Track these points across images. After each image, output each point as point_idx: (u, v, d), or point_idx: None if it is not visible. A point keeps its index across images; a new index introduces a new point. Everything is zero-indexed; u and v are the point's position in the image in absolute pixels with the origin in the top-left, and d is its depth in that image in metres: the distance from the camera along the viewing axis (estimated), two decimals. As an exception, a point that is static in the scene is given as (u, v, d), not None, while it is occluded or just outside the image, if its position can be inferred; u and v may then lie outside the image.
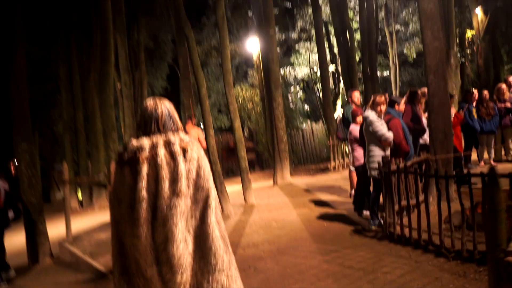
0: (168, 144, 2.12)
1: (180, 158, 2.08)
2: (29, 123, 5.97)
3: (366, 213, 5.77)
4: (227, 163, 18.48)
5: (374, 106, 5.18)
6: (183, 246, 2.01)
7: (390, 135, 5.07)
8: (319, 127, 19.06)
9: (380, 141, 5.09)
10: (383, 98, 5.26)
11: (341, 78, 17.35)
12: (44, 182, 20.57)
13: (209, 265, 2.04)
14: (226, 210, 6.84)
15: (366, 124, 5.17)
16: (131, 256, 2.06)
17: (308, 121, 19.96)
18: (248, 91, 17.19)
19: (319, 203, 7.02)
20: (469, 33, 16.25)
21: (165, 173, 2.05)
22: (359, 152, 5.79)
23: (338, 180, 9.49)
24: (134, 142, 2.10)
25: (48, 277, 5.44)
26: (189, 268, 2.04)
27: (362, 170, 5.81)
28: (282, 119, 10.17)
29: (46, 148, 21.36)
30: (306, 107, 21.42)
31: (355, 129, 5.88)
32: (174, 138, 2.14)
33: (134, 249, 2.03)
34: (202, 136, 8.33)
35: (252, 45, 15.85)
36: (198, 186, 2.09)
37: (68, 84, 13.74)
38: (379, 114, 5.16)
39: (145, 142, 2.10)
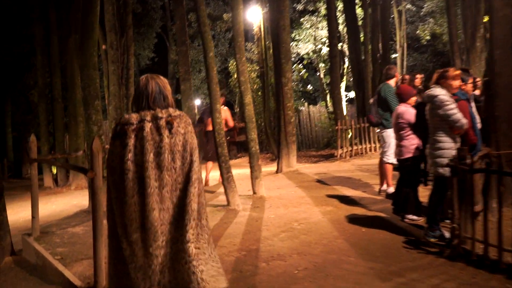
0: (155, 119, 2.34)
1: (165, 132, 2.31)
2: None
3: (411, 217, 4.64)
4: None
5: (445, 82, 3.97)
6: (163, 215, 2.28)
7: (465, 121, 3.88)
8: (316, 110, 17.87)
9: (451, 128, 3.90)
10: (458, 71, 4.07)
11: (345, 59, 16.14)
12: (16, 155, 18.96)
13: (182, 236, 2.26)
14: (233, 203, 5.61)
15: (434, 106, 3.96)
16: (119, 221, 2.30)
17: (305, 103, 18.70)
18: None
19: (343, 199, 5.85)
20: None
21: (149, 146, 2.29)
22: (411, 141, 4.60)
23: (353, 171, 8.34)
24: (125, 116, 2.39)
25: (4, 286, 4.14)
26: (168, 235, 2.28)
27: (412, 164, 4.64)
28: (291, 97, 8.91)
29: (19, 117, 19.61)
30: (309, 87, 20.08)
31: (407, 111, 4.66)
32: (162, 113, 2.35)
33: (122, 215, 2.29)
34: (228, 115, 8.13)
35: (253, 15, 14.41)
36: (182, 160, 2.32)
37: (44, 46, 12.13)
38: (451, 93, 3.96)
39: (134, 116, 2.35)
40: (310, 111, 17.47)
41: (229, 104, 21.84)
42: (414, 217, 4.63)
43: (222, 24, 19.52)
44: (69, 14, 10.90)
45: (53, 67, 11.98)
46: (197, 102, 22.72)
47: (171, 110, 2.41)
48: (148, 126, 2.32)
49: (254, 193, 6.23)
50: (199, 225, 2.30)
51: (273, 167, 10.89)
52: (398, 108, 4.85)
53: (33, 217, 4.91)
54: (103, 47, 9.68)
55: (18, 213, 7.46)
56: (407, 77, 6.37)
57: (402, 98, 4.83)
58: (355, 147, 11.15)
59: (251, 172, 6.22)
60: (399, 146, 4.78)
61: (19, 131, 19.64)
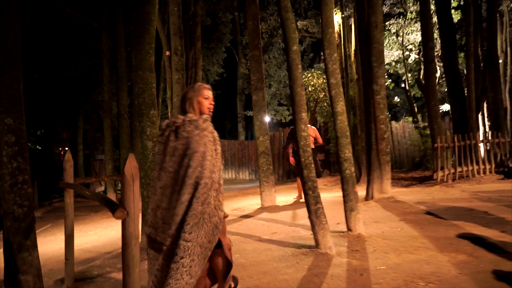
0: (173, 124, 2.54)
1: (172, 137, 2.49)
2: (17, 83, 3.59)
3: None
4: (288, 164, 15.80)
5: None
6: (163, 214, 2.42)
7: None
8: (399, 126, 15.91)
9: None
10: None
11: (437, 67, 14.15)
12: (87, 174, 18.91)
13: (179, 238, 2.34)
14: (324, 245, 4.17)
15: None
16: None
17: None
18: (320, 78, 14.35)
19: (477, 242, 4.18)
20: None
21: (160, 149, 2.53)
22: None
23: (469, 199, 6.53)
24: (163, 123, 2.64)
25: None
26: (164, 234, 2.39)
27: None
28: (384, 108, 7.33)
29: (90, 135, 19.69)
30: (396, 99, 18.16)
31: None
32: (178, 119, 2.53)
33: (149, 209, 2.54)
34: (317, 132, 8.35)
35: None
36: (180, 164, 2.41)
37: (112, 59, 11.66)
38: None
39: (165, 122, 2.61)
40: (393, 127, 15.58)
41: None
42: None
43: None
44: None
45: (120, 81, 11.42)
46: (267, 119, 21.64)
47: (189, 115, 2.53)
48: (167, 131, 2.54)
49: (349, 230, 4.73)
50: (189, 235, 2.33)
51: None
52: None
53: (66, 259, 3.81)
54: (167, 53, 8.79)
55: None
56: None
57: None
58: (458, 169, 9.23)
59: (345, 202, 4.75)
60: None
61: (89, 148, 19.69)
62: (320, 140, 8.10)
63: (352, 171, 4.78)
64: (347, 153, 4.78)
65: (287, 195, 9.40)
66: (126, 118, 11.37)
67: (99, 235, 7.42)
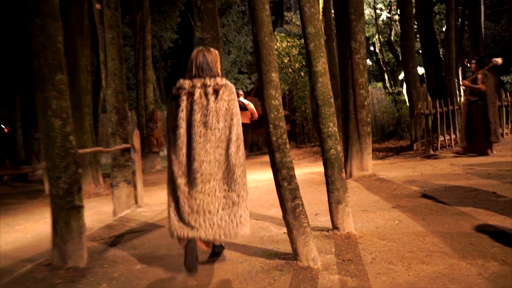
0: (204, 86, 2.85)
1: (211, 98, 2.82)
2: None
3: None
4: (252, 137, 14.60)
5: None
6: (205, 166, 2.75)
7: None
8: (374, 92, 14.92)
9: None
10: None
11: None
12: (26, 154, 16.93)
13: (226, 185, 2.79)
14: (306, 257, 3.00)
15: None
16: (170, 167, 2.84)
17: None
18: (284, 42, 13.00)
19: (502, 239, 3.17)
20: None
21: (198, 108, 2.81)
22: None
23: (465, 175, 5.57)
24: (180, 81, 2.92)
25: None
26: (208, 183, 2.75)
27: None
28: (364, 70, 6.18)
29: (29, 112, 17.60)
30: (368, 62, 17.07)
31: None
32: (210, 81, 2.86)
33: (172, 163, 2.83)
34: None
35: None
36: (225, 123, 2.81)
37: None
38: None
39: (187, 82, 2.90)
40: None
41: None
42: None
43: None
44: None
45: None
46: (224, 81, 20.20)
47: (218, 79, 2.90)
48: (198, 91, 2.85)
49: (335, 227, 3.59)
50: (240, 177, 2.81)
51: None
52: None
53: None
54: (98, 6, 7.20)
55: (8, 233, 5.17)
56: None
57: None
58: (440, 138, 8.34)
59: (330, 191, 3.58)
60: None
61: (30, 126, 17.67)
62: (256, 115, 7.23)
63: (339, 151, 3.60)
64: (332, 126, 3.59)
65: (251, 173, 8.22)
66: (67, 91, 9.73)
67: (26, 231, 6.00)
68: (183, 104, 2.85)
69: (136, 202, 6.10)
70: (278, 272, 2.97)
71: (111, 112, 5.97)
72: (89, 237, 4.47)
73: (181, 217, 2.81)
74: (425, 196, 4.68)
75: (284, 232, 3.82)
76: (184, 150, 2.81)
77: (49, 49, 3.35)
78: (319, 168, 8.09)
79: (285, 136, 3.12)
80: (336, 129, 3.64)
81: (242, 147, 2.88)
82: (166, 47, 19.28)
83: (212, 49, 3.04)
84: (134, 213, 5.60)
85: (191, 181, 2.78)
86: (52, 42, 3.35)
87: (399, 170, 6.52)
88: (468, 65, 7.37)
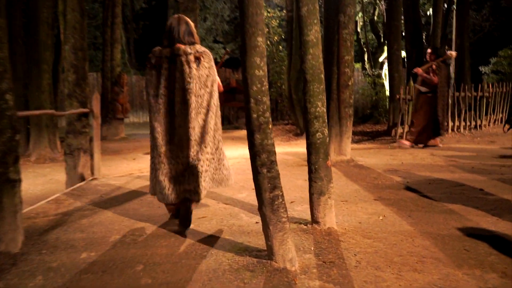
0: (185, 53, 2.89)
1: (193, 65, 2.89)
2: None
3: None
4: (223, 110, 14.01)
5: None
6: (190, 132, 2.87)
7: None
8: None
9: None
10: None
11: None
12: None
13: (209, 147, 2.95)
14: (282, 257, 2.57)
15: None
16: (153, 135, 2.95)
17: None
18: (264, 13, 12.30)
19: (499, 245, 2.85)
20: None
21: (180, 75, 2.88)
22: None
23: (448, 167, 5.29)
24: (159, 50, 2.98)
25: None
26: (192, 148, 2.88)
27: None
28: (351, 47, 5.72)
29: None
30: None
31: None
32: (190, 49, 2.92)
33: (155, 130, 2.93)
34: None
35: None
36: (206, 89, 2.93)
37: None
38: None
39: (167, 50, 2.94)
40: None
41: (233, 62, 18.49)
42: None
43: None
44: None
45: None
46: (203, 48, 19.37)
47: (197, 46, 2.98)
48: (179, 59, 2.89)
49: (315, 221, 3.17)
50: (220, 140, 3.09)
51: (298, 146, 7.83)
52: None
53: None
54: None
55: None
56: None
57: None
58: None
59: (312, 180, 3.14)
60: None
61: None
62: (221, 88, 7.23)
63: (326, 135, 3.15)
64: (320, 106, 3.12)
65: (230, 149, 7.72)
66: (21, 44, 8.79)
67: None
68: (165, 72, 2.92)
69: (92, 173, 5.52)
70: (249, 273, 2.53)
71: (69, 71, 5.29)
72: (31, 212, 3.90)
73: (170, 182, 2.95)
74: (408, 188, 4.34)
75: (257, 222, 3.38)
76: (167, 118, 2.92)
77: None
78: (294, 148, 7.69)
79: (268, 114, 2.63)
80: (325, 109, 3.18)
81: (219, 112, 3.09)
82: (138, 7, 18.15)
83: (187, 18, 3.16)
84: (89, 186, 5.02)
85: (176, 146, 2.93)
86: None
87: (378, 157, 6.19)
88: (449, 52, 7.06)
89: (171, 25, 3.02)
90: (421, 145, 7.17)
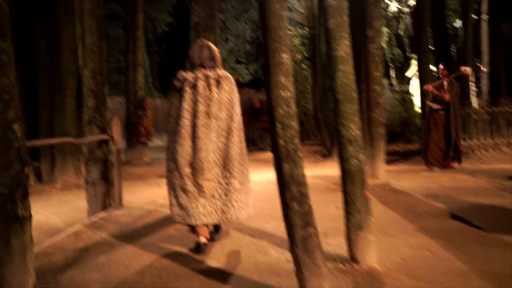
0: (206, 77, 3.02)
1: (214, 89, 2.99)
2: None
3: None
4: (247, 131, 13.80)
5: None
6: (210, 155, 2.94)
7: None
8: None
9: None
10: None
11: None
12: None
13: (227, 172, 3.00)
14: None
15: None
16: (173, 158, 3.02)
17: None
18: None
19: None
20: None
21: (201, 99, 2.97)
22: None
23: (495, 191, 4.84)
24: (182, 74, 3.07)
25: None
26: (213, 171, 2.97)
27: None
28: (380, 62, 5.41)
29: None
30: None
31: None
32: (212, 73, 3.03)
33: (176, 153, 2.99)
34: None
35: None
36: (227, 112, 3.00)
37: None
38: None
39: (190, 74, 3.05)
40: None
41: (256, 82, 18.35)
42: None
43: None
44: None
45: (35, 20, 8.74)
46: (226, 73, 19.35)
47: (218, 70, 3.08)
48: (201, 83, 2.99)
49: (353, 259, 2.81)
50: (241, 164, 3.05)
51: (327, 168, 7.46)
52: None
53: None
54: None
55: None
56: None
57: None
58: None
59: (348, 212, 2.80)
60: None
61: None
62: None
63: (362, 160, 2.82)
64: (354, 129, 2.81)
65: (255, 173, 7.42)
66: (45, 70, 8.83)
67: None
68: (187, 95, 3.00)
69: (114, 202, 5.30)
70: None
71: (88, 96, 5.15)
72: (49, 247, 3.69)
73: (188, 205, 3.01)
74: (454, 216, 3.92)
75: (288, 260, 3.04)
76: (189, 140, 2.98)
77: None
78: (322, 170, 7.33)
79: (296, 140, 2.33)
80: (359, 132, 2.86)
81: (242, 135, 3.12)
82: (160, 30, 18.34)
83: (210, 43, 3.26)
84: (109, 217, 4.80)
85: (196, 169, 2.96)
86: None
87: (413, 180, 5.78)
88: (481, 67, 6.64)
89: (194, 50, 3.15)
90: (438, 168, 6.64)
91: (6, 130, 2.57)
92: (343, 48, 2.81)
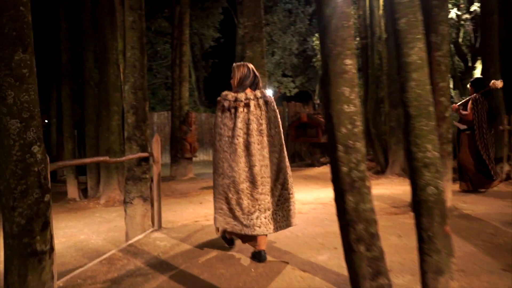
0: (256, 98, 3.26)
1: (264, 108, 3.25)
2: None
3: None
4: (293, 145, 13.31)
5: None
6: (264, 170, 3.19)
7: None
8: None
9: None
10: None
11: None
12: (59, 152, 16.40)
13: (280, 185, 3.28)
14: None
15: None
16: (227, 175, 3.23)
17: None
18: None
19: None
20: None
21: (254, 117, 3.21)
22: None
23: None
24: (232, 94, 3.31)
25: None
26: (267, 185, 3.21)
27: None
28: (446, 72, 4.80)
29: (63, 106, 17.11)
30: None
31: None
32: (260, 94, 3.29)
33: (231, 170, 3.20)
34: None
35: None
36: (276, 130, 3.28)
37: (70, 7, 9.05)
38: None
39: (241, 95, 3.27)
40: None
41: (303, 95, 17.86)
42: None
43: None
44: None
45: (84, 35, 8.83)
46: (269, 92, 19.03)
47: (263, 91, 3.35)
48: (252, 103, 3.23)
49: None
50: (290, 176, 3.35)
51: (381, 187, 6.83)
52: None
53: None
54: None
55: None
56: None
57: None
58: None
59: (424, 252, 2.24)
60: None
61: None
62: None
63: (440, 189, 2.28)
64: (431, 149, 2.27)
65: (303, 191, 6.92)
66: (93, 86, 8.87)
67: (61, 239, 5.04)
68: (240, 114, 3.21)
69: (153, 224, 4.99)
70: None
71: (128, 112, 4.90)
72: (80, 275, 3.38)
73: (242, 217, 3.21)
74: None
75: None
76: (244, 157, 3.18)
77: (6, 13, 2.24)
78: (376, 189, 6.70)
79: (363, 166, 1.85)
80: (438, 154, 2.32)
81: (285, 150, 3.39)
82: (207, 46, 18.35)
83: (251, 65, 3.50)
84: (147, 240, 4.47)
85: (252, 184, 3.19)
86: (10, 2, 2.25)
87: (486, 203, 5.06)
88: (492, 82, 5.85)
89: (239, 72, 3.39)
90: (483, 190, 5.99)
91: (25, 152, 2.27)
92: (417, 52, 2.30)
